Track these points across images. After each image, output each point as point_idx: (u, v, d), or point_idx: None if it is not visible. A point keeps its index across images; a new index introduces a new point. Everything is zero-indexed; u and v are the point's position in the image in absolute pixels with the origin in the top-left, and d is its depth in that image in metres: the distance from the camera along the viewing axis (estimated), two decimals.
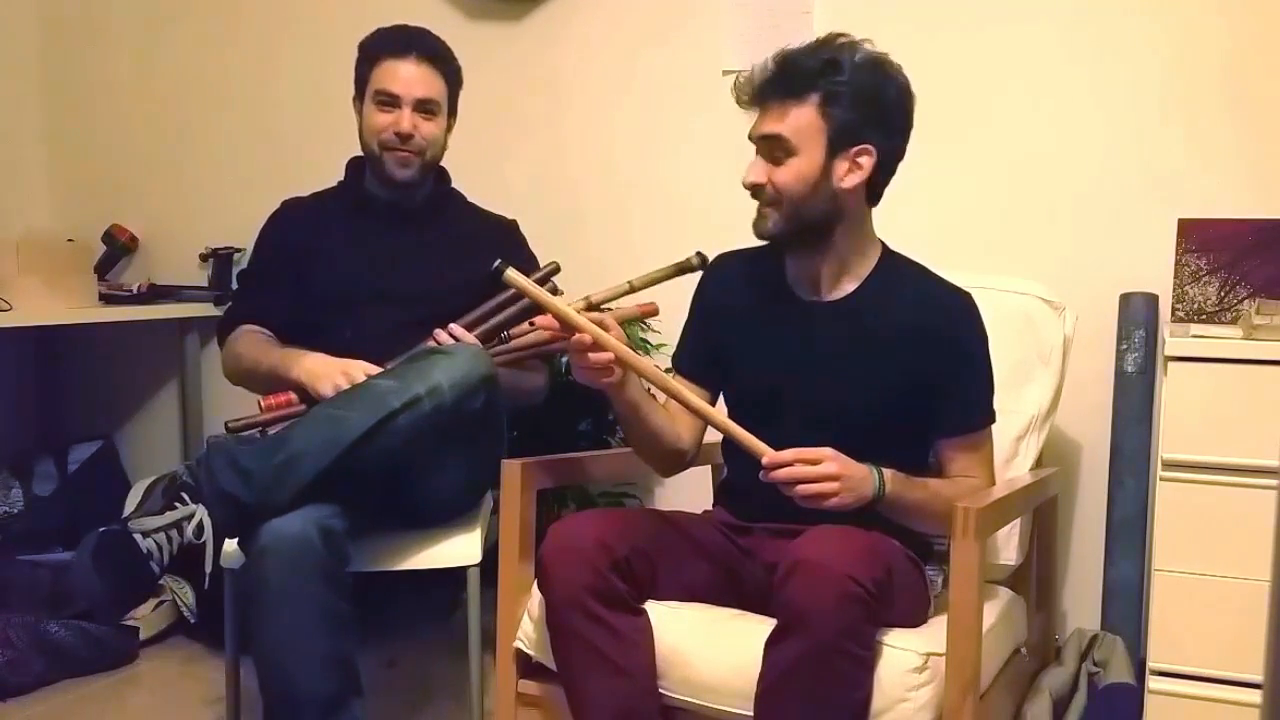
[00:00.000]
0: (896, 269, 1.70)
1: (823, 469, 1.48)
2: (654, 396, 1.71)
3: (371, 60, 2.06)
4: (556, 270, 2.06)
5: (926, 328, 1.64)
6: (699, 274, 1.89)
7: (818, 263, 1.68)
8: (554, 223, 2.49)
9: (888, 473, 1.55)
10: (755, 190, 1.63)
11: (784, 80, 1.58)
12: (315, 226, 2.09)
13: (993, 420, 1.70)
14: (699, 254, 1.92)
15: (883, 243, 1.72)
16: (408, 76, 2.02)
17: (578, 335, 1.53)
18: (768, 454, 1.49)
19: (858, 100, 1.57)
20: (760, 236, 1.66)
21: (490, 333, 1.96)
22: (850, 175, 1.60)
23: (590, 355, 1.53)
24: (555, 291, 1.97)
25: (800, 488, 1.48)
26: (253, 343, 2.03)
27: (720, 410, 1.74)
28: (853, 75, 1.57)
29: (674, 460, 1.79)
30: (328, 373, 1.86)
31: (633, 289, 1.96)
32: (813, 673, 1.40)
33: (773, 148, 1.59)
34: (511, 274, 1.56)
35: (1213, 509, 1.77)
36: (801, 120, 1.57)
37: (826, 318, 1.68)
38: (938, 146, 2.30)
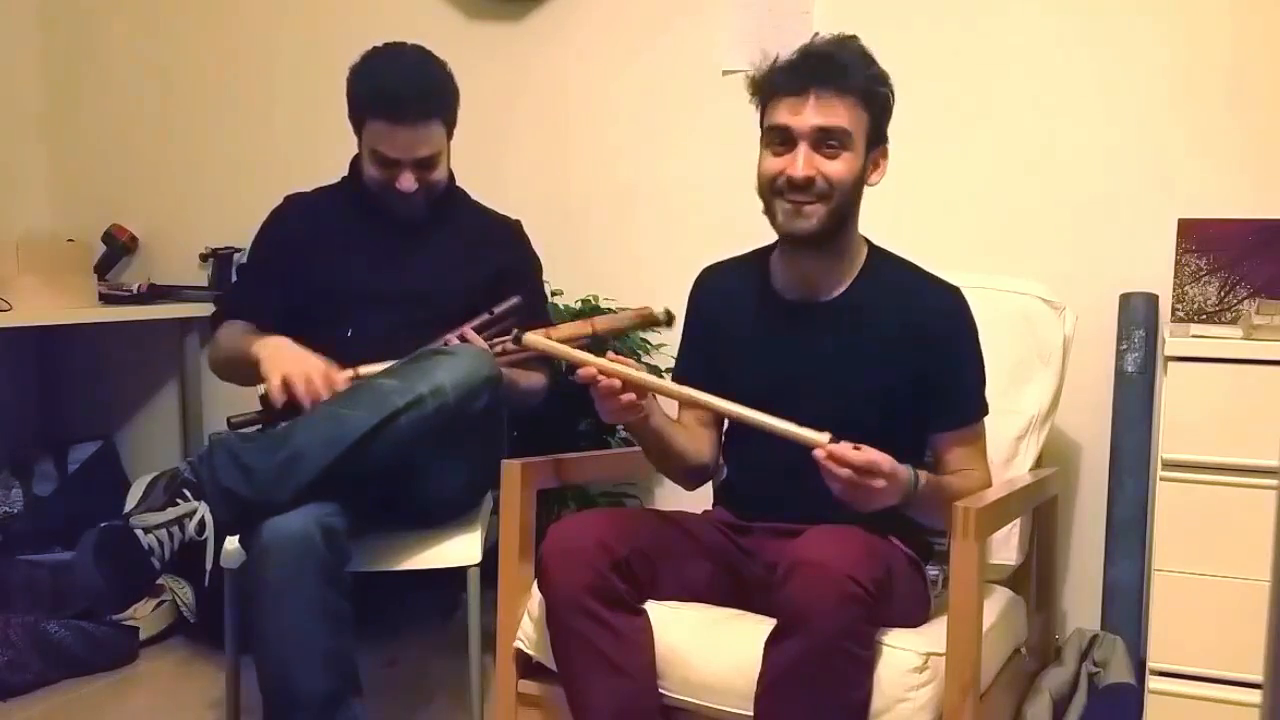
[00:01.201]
0: (885, 266, 1.71)
1: (874, 474, 1.44)
2: (673, 419, 1.74)
3: (361, 110, 1.97)
4: (520, 307, 2.00)
5: (918, 324, 1.64)
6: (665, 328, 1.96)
7: (820, 263, 1.68)
8: (554, 222, 2.50)
9: (922, 473, 1.54)
10: (806, 183, 1.57)
11: (841, 73, 1.56)
12: (317, 223, 2.09)
13: (986, 412, 1.69)
14: (667, 311, 1.95)
15: (868, 240, 1.73)
16: (404, 142, 1.94)
17: (606, 380, 1.53)
18: (823, 446, 1.44)
19: (884, 98, 1.61)
20: (797, 236, 1.61)
21: (495, 337, 1.95)
22: (876, 172, 1.64)
23: (621, 398, 1.54)
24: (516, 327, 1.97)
25: (848, 487, 1.44)
26: (231, 333, 2.03)
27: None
28: (880, 73, 1.61)
29: (700, 475, 1.81)
30: (282, 359, 1.82)
31: (595, 331, 1.98)
32: (812, 673, 1.40)
33: (828, 139, 1.57)
34: (530, 338, 1.58)
35: (1213, 509, 1.77)
36: (857, 116, 1.58)
37: (818, 319, 1.68)
38: (937, 146, 2.31)
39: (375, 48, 2.00)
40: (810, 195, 1.58)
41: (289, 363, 1.82)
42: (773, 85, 1.60)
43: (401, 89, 1.93)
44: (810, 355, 1.68)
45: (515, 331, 1.61)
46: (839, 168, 1.57)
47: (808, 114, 1.56)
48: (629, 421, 1.61)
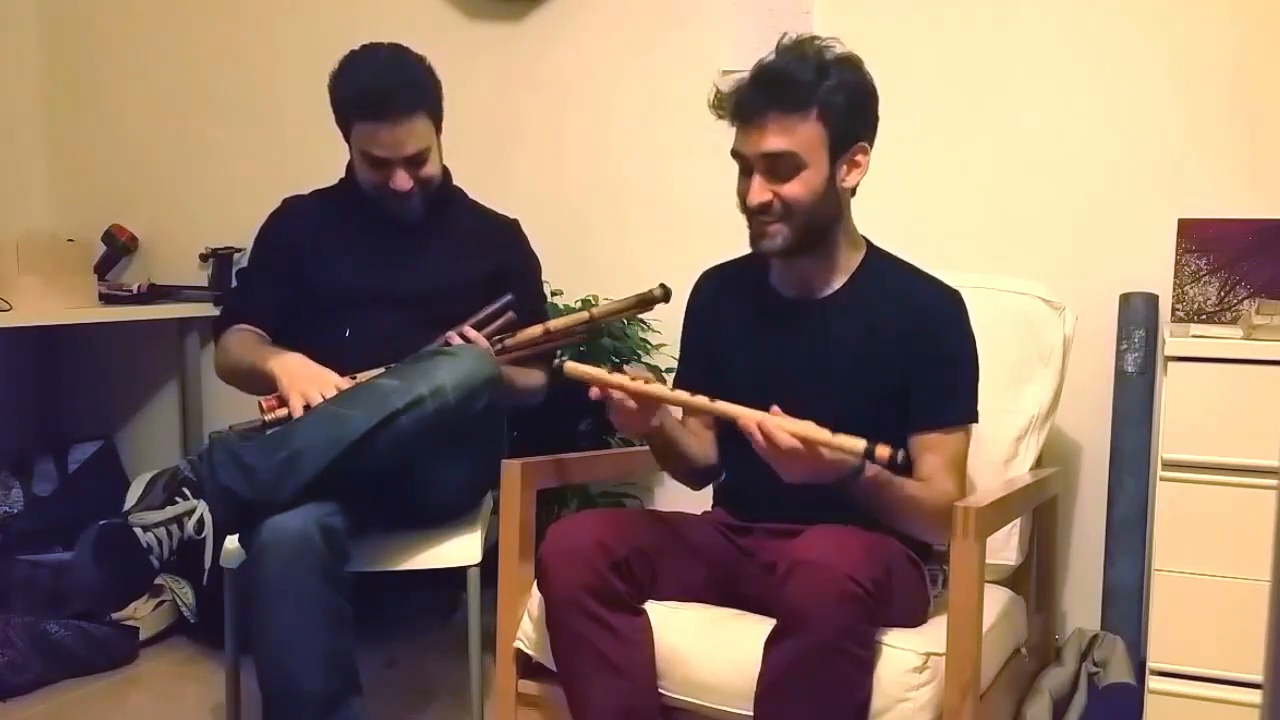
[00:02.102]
0: (882, 266, 1.71)
1: (795, 456, 1.43)
2: (679, 423, 1.75)
3: (346, 115, 1.98)
4: (512, 303, 2.02)
5: (910, 322, 1.64)
6: (662, 304, 1.95)
7: (812, 264, 1.68)
8: (553, 222, 2.49)
9: (874, 467, 1.49)
10: (762, 209, 1.60)
11: (783, 95, 1.56)
12: (315, 225, 2.09)
13: (969, 420, 1.66)
14: (662, 286, 1.95)
15: (867, 239, 1.73)
16: (391, 141, 1.94)
17: (619, 395, 1.54)
18: (760, 418, 1.44)
19: (849, 102, 1.58)
20: (767, 254, 1.64)
21: (493, 334, 1.96)
22: (852, 174, 1.62)
23: (628, 405, 1.55)
24: (512, 324, 1.99)
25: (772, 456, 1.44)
26: (241, 341, 2.02)
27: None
28: (841, 79, 1.58)
29: (707, 475, 1.83)
30: (301, 378, 1.84)
31: (592, 319, 1.99)
32: (812, 673, 1.40)
33: (777, 164, 1.57)
34: (571, 366, 1.59)
35: (1213, 509, 1.77)
36: (807, 134, 1.56)
37: (812, 314, 1.69)
38: (938, 146, 2.31)
39: (351, 51, 2.00)
40: (771, 216, 1.60)
41: (308, 384, 1.82)
42: (727, 113, 1.62)
43: (380, 87, 1.93)
44: (802, 350, 1.68)
45: (556, 362, 1.64)
46: (795, 188, 1.58)
47: (754, 141, 1.58)
48: (643, 432, 1.62)
